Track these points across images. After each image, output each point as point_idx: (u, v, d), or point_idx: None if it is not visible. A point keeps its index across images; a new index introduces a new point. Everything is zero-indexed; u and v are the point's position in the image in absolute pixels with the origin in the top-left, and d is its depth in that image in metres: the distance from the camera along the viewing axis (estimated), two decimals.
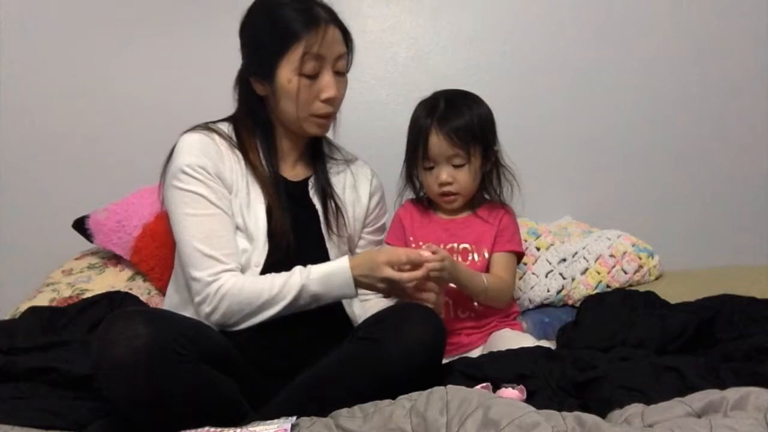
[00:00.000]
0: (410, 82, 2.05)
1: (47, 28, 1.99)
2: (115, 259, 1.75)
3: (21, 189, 2.04)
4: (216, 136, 1.34)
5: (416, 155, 1.45)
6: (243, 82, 1.37)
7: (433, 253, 1.26)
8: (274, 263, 1.29)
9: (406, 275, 1.23)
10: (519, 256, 1.52)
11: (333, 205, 1.41)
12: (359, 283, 1.26)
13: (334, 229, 1.40)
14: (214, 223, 1.27)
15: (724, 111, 2.10)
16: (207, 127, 1.36)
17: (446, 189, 1.45)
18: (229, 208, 1.30)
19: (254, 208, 1.32)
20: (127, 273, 1.71)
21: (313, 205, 1.40)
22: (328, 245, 1.39)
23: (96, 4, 2.00)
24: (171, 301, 1.38)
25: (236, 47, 1.96)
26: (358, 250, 1.49)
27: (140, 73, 2.01)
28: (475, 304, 1.45)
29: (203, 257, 1.25)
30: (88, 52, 2.00)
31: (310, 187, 1.42)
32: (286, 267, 1.28)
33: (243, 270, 1.29)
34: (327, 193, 1.41)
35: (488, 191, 1.52)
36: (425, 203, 1.54)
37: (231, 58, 1.97)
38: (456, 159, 1.42)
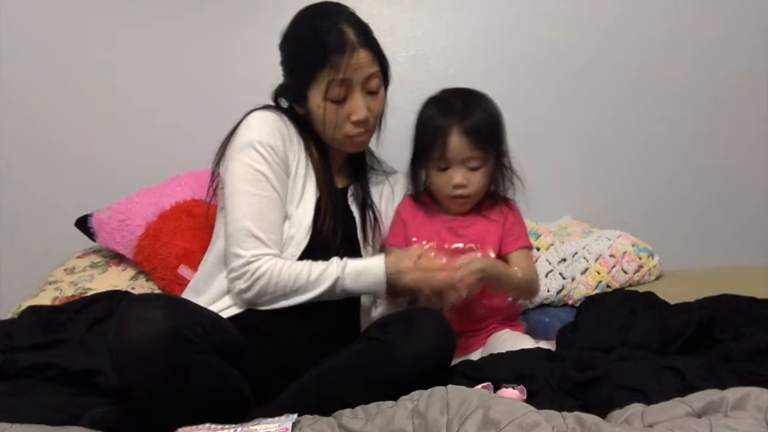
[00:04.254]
0: (410, 82, 2.05)
1: (47, 27, 1.99)
2: (117, 258, 1.75)
3: (22, 188, 2.04)
4: (286, 119, 1.36)
5: (430, 155, 1.42)
6: (283, 100, 1.41)
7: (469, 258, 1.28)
8: (310, 256, 1.30)
9: (428, 290, 1.25)
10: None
11: (371, 215, 1.44)
12: (389, 282, 1.28)
13: (370, 240, 1.42)
14: (269, 205, 1.29)
15: (724, 111, 2.10)
16: (278, 108, 1.38)
17: (460, 192, 1.43)
18: (285, 195, 1.32)
19: (305, 200, 1.34)
20: (130, 272, 1.71)
21: (351, 213, 1.42)
22: (363, 253, 1.40)
23: (97, 4, 2.00)
24: (202, 271, 1.39)
25: (236, 46, 1.99)
26: None
27: (141, 72, 2.01)
28: (509, 297, 1.44)
29: (250, 237, 1.26)
30: (88, 52, 2.00)
31: (349, 195, 1.44)
32: (322, 260, 1.29)
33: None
34: (366, 203, 1.44)
35: (495, 190, 1.51)
36: (426, 200, 1.52)
37: (231, 58, 2.00)
38: (473, 161, 1.41)
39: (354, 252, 1.39)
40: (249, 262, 1.25)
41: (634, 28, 2.06)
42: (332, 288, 1.26)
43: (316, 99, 1.30)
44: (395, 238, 1.49)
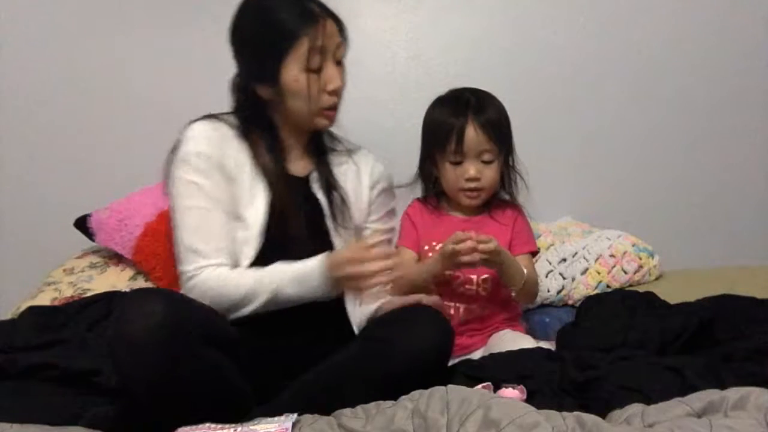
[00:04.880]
0: (410, 82, 2.05)
1: (47, 26, 1.99)
2: (116, 258, 1.75)
3: (21, 188, 2.04)
4: (222, 125, 1.35)
5: (445, 150, 1.43)
6: (242, 88, 1.37)
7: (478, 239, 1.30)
8: (267, 258, 1.29)
9: (367, 269, 1.17)
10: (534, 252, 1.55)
11: (338, 197, 1.41)
12: (334, 282, 1.22)
13: (340, 222, 1.39)
14: (207, 216, 1.28)
15: (724, 111, 2.10)
16: (213, 116, 1.37)
17: (473, 185, 1.44)
18: (227, 201, 1.30)
19: (255, 201, 1.32)
20: (129, 272, 1.71)
21: (317, 200, 1.40)
22: (335, 239, 1.38)
23: (97, 3, 2.00)
24: None
25: None
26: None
27: (141, 71, 2.01)
28: (514, 295, 1.45)
29: (189, 251, 1.26)
30: (88, 52, 2.00)
31: (313, 182, 1.41)
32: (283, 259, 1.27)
33: (234, 264, 1.29)
34: (331, 185, 1.41)
35: (501, 191, 1.52)
36: (434, 202, 1.53)
37: (232, 58, 1.99)
38: (486, 155, 1.42)
39: (325, 239, 1.37)
40: (190, 278, 1.25)
41: (633, 28, 2.06)
42: (274, 298, 1.22)
43: (292, 72, 1.28)
44: (407, 240, 1.50)
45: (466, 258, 1.31)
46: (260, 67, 1.31)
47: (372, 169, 1.48)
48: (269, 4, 1.30)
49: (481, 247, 1.29)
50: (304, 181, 1.41)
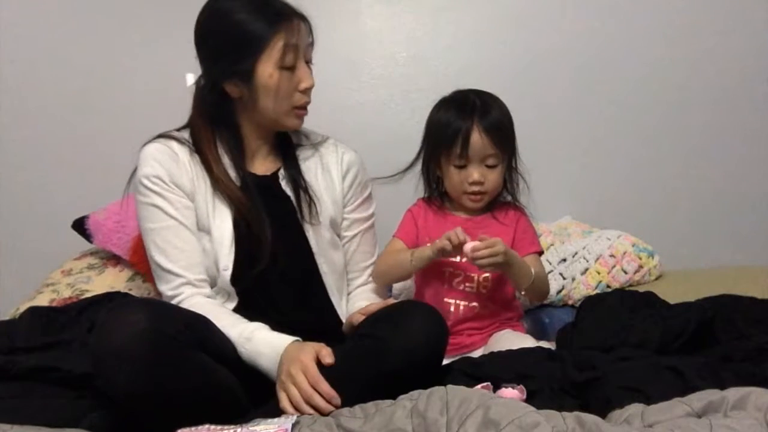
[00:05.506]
0: (410, 82, 2.05)
1: (47, 27, 1.99)
2: (114, 259, 1.75)
3: (20, 189, 2.04)
4: (174, 143, 1.35)
5: (449, 153, 1.43)
6: (208, 88, 1.34)
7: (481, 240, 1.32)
8: (243, 265, 1.30)
9: (310, 396, 1.07)
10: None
11: (306, 195, 1.40)
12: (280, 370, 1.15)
13: (308, 219, 1.39)
14: (171, 235, 1.29)
15: (724, 111, 2.10)
16: (164, 135, 1.37)
17: (477, 188, 1.44)
18: (189, 217, 1.31)
19: (219, 212, 1.33)
20: (127, 273, 1.71)
21: (288, 196, 1.39)
22: (308, 234, 1.39)
23: (97, 3, 2.00)
24: None
25: None
26: (345, 233, 1.48)
27: (141, 72, 2.01)
28: (520, 295, 1.45)
29: (163, 271, 1.28)
30: (88, 52, 2.00)
31: (281, 179, 1.41)
32: (256, 267, 1.29)
33: (212, 277, 1.30)
34: (298, 183, 1.40)
35: (503, 192, 1.52)
36: (438, 202, 1.53)
37: None
38: (490, 159, 1.42)
39: (299, 233, 1.38)
40: (170, 298, 1.27)
41: (634, 29, 2.06)
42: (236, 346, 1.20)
43: (267, 69, 1.28)
44: (404, 235, 1.50)
45: (482, 262, 1.32)
46: (234, 64, 1.29)
47: (341, 159, 1.47)
48: (236, 6, 1.29)
49: (490, 251, 1.30)
50: (273, 178, 1.40)
